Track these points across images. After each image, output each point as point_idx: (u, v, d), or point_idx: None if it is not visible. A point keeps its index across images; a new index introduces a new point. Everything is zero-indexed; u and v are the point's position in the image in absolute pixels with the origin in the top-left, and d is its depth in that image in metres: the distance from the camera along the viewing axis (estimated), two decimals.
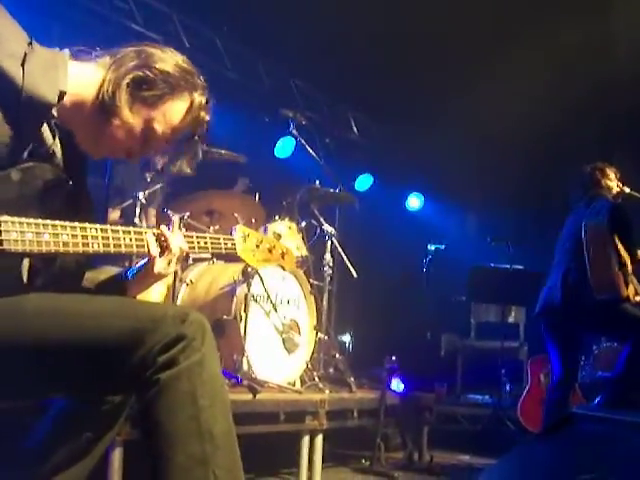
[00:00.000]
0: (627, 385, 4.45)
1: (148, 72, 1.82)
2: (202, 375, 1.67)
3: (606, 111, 6.97)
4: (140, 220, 4.20)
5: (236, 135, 5.68)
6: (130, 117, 1.81)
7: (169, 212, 4.28)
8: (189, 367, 1.66)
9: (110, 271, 2.06)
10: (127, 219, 4.29)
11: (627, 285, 4.59)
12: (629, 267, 4.62)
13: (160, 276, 2.00)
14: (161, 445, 1.64)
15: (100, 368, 1.70)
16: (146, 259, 1.99)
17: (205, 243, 2.07)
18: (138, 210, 4.20)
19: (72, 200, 1.83)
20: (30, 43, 1.68)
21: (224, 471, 1.66)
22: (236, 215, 4.41)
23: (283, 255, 2.31)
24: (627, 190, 4.79)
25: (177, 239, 1.98)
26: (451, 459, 5.19)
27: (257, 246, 2.22)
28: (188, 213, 4.26)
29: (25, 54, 1.64)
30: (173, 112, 1.88)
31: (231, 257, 2.21)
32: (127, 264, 3.78)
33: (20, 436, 1.95)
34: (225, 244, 2.11)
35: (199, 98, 1.92)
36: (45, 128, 1.73)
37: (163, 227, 1.98)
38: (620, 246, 4.59)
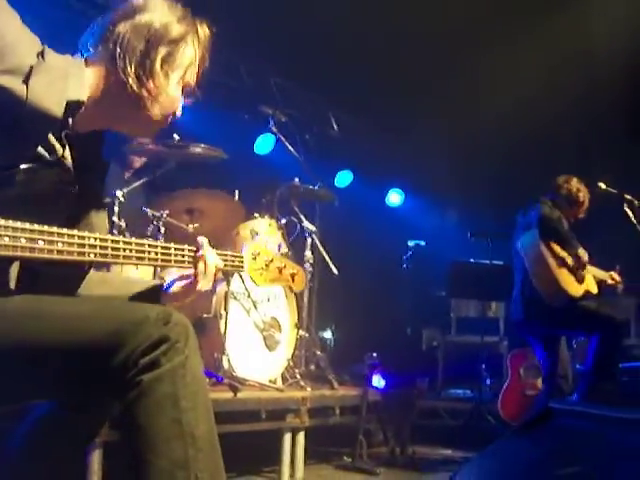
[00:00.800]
0: (598, 376, 4.55)
1: (166, 45, 1.83)
2: (185, 377, 1.65)
3: (586, 109, 7.03)
4: (119, 219, 4.17)
5: (216, 132, 5.66)
6: (173, 90, 1.86)
7: (147, 210, 4.26)
8: (172, 369, 1.64)
9: (143, 282, 2.04)
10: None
11: (581, 282, 4.72)
12: (573, 263, 4.76)
13: (199, 294, 1.99)
14: (143, 448, 1.62)
15: (81, 371, 1.68)
16: (178, 276, 1.99)
17: None
18: (117, 209, 4.18)
19: (79, 205, 1.81)
20: (41, 52, 1.65)
21: (206, 474, 1.64)
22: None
23: (293, 276, 2.24)
24: (603, 186, 4.89)
25: (212, 257, 1.96)
26: (433, 454, 5.21)
27: (266, 265, 2.16)
28: (167, 211, 4.24)
29: (31, 68, 1.61)
30: (192, 58, 1.91)
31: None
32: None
33: (0, 440, 1.94)
34: (232, 261, 2.06)
35: (200, 29, 1.94)
36: (52, 139, 1.69)
37: (204, 246, 1.96)
38: (559, 249, 4.73)
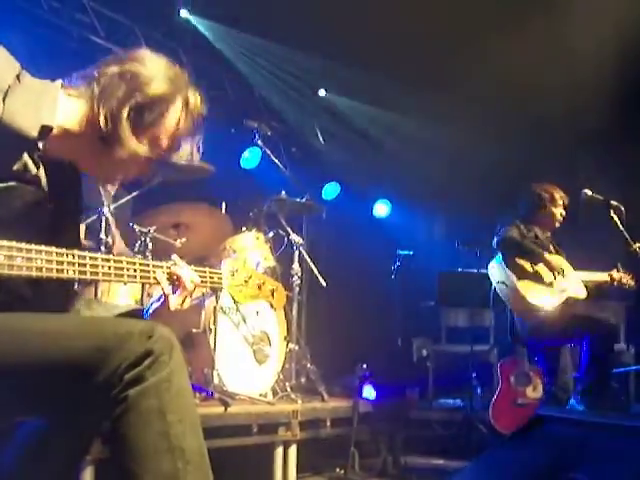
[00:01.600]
0: (592, 379, 4.52)
1: (143, 98, 1.81)
2: (170, 390, 1.65)
3: (572, 115, 7.08)
4: (106, 235, 4.16)
5: (201, 146, 5.65)
6: (136, 145, 1.82)
7: (135, 226, 4.26)
8: (157, 383, 1.64)
9: (122, 307, 2.05)
10: (92, 235, 4.26)
11: (562, 291, 4.71)
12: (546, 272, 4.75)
13: (177, 312, 2.00)
14: (131, 463, 1.61)
15: (67, 388, 1.68)
16: (159, 297, 2.00)
17: None
18: (103, 225, 4.17)
19: (54, 223, 1.81)
20: (18, 75, 1.67)
21: None
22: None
23: (273, 292, 2.25)
24: (589, 193, 4.88)
25: (188, 274, 1.97)
26: (425, 464, 5.20)
27: (245, 281, 2.17)
28: (154, 227, 4.24)
29: (8, 87, 1.63)
30: (172, 121, 1.89)
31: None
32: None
33: None
34: (211, 278, 2.08)
35: (192, 97, 1.94)
36: (27, 159, 1.70)
37: (176, 265, 1.97)
38: (527, 265, 4.73)
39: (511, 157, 7.36)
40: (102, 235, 4.13)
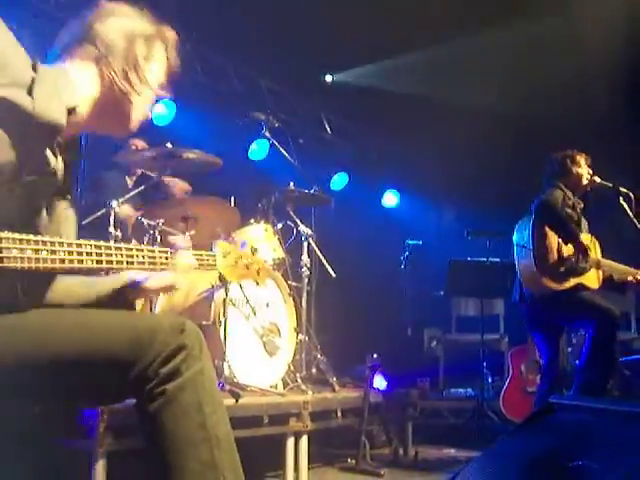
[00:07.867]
0: (591, 371, 4.43)
1: (145, 44, 1.91)
2: (204, 383, 1.74)
3: (582, 103, 7.04)
4: (115, 229, 4.17)
5: (209, 139, 5.66)
6: (149, 91, 1.94)
7: (143, 219, 4.26)
8: (192, 377, 1.71)
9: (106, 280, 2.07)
10: (102, 228, 4.27)
11: (579, 275, 4.57)
12: (571, 255, 4.59)
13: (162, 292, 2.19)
14: (171, 454, 1.68)
15: (102, 381, 1.73)
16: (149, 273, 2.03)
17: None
18: (112, 219, 4.18)
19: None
20: (34, 66, 1.69)
21: (231, 472, 1.74)
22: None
23: (258, 271, 2.39)
24: (597, 180, 4.81)
25: (187, 258, 2.03)
26: (436, 453, 5.22)
27: (236, 262, 2.28)
28: (162, 220, 4.24)
29: (32, 80, 1.64)
30: (164, 56, 1.99)
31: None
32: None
33: None
34: (207, 260, 2.17)
35: (167, 31, 2.02)
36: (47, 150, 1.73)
37: (178, 248, 2.03)
38: (555, 239, 4.56)
39: (521, 145, 7.33)
40: (111, 229, 4.14)
